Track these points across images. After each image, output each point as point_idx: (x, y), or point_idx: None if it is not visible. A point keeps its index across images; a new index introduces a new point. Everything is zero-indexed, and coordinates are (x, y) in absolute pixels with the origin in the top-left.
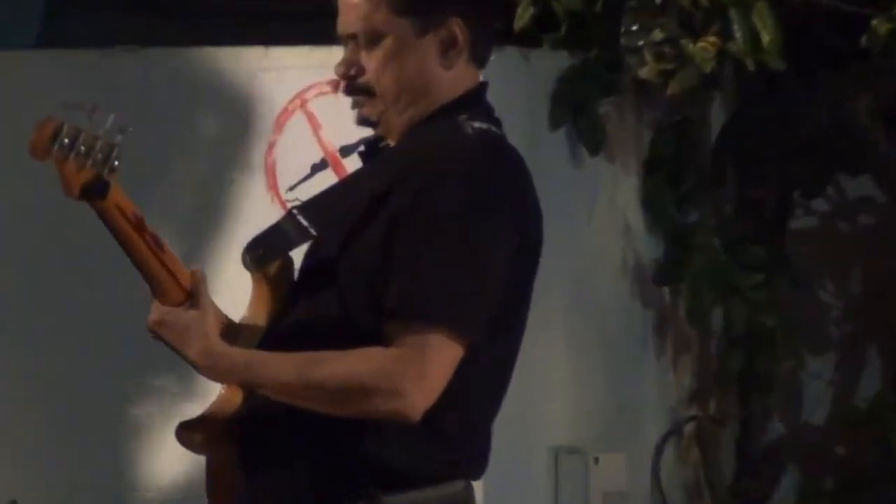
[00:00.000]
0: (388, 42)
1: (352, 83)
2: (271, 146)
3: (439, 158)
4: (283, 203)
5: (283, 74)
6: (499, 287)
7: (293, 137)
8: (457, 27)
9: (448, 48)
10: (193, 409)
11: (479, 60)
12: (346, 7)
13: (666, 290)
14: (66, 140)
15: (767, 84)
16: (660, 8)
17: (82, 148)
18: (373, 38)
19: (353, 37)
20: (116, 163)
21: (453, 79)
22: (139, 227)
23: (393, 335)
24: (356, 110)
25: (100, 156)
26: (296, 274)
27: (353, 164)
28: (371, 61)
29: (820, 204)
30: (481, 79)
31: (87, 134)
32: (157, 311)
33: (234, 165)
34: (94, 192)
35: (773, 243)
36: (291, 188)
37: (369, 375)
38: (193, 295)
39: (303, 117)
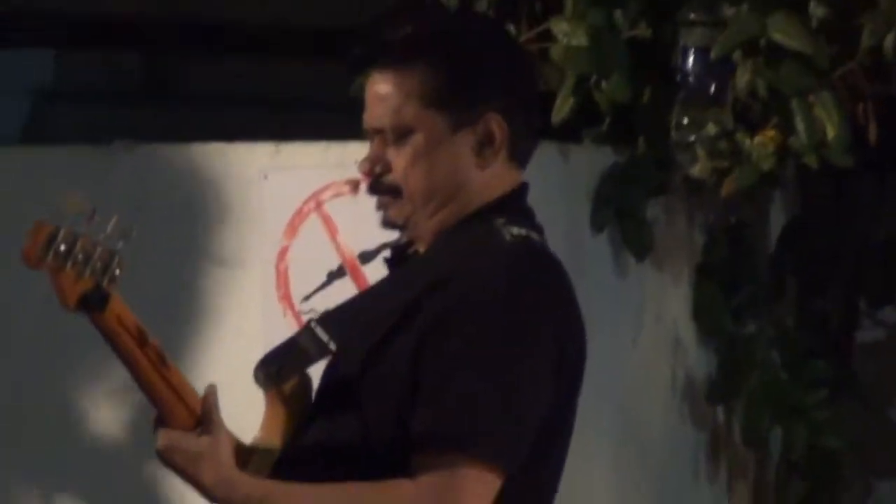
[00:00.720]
0: (417, 138)
1: (377, 182)
2: (283, 252)
3: (472, 270)
4: (296, 315)
5: (296, 174)
6: (537, 413)
7: (307, 242)
8: (494, 123)
9: (484, 146)
10: None
11: (521, 159)
12: (374, 100)
13: (719, 409)
14: (63, 246)
15: (833, 184)
16: (713, 99)
17: (80, 256)
18: (402, 134)
19: (380, 131)
20: (118, 272)
21: (490, 179)
22: (142, 341)
23: (421, 468)
24: (381, 212)
25: (99, 264)
26: (314, 392)
27: (372, 271)
28: (399, 158)
29: (890, 314)
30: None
31: (86, 240)
32: (165, 437)
33: (242, 274)
34: (93, 303)
35: (839, 358)
36: (306, 298)
37: None
38: (205, 419)
39: (318, 220)
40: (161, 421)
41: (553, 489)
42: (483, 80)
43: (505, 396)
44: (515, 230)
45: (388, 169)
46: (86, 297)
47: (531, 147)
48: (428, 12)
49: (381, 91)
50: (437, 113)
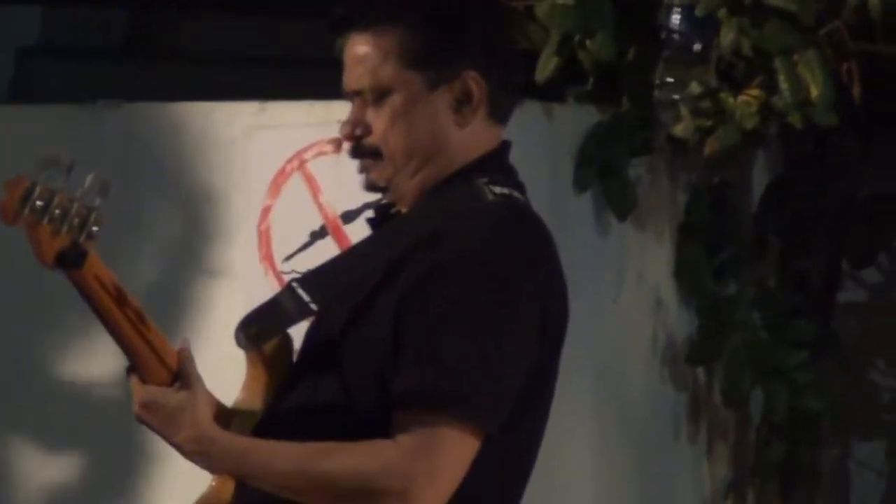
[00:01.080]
0: (395, 99)
1: (358, 145)
2: (266, 211)
3: (455, 229)
4: (278, 275)
5: (280, 132)
6: (519, 373)
7: (290, 202)
8: (472, 80)
9: (462, 104)
10: None
11: (500, 117)
12: (352, 60)
13: (700, 370)
14: (39, 202)
15: (816, 143)
16: (697, 58)
17: (57, 211)
18: (380, 95)
19: (360, 93)
20: (95, 228)
21: (470, 138)
22: (120, 299)
23: (401, 427)
24: (363, 175)
25: (76, 220)
26: (296, 352)
27: (355, 231)
28: (378, 120)
29: (871, 275)
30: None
31: (63, 195)
32: (142, 392)
33: (225, 232)
34: (70, 260)
35: (820, 319)
36: (288, 258)
37: (376, 473)
38: (181, 375)
39: (301, 180)
40: (135, 372)
41: (535, 449)
42: (460, 38)
43: (487, 356)
44: (498, 189)
45: (368, 131)
46: (63, 254)
47: (511, 104)
48: None
49: (360, 52)
50: (415, 72)
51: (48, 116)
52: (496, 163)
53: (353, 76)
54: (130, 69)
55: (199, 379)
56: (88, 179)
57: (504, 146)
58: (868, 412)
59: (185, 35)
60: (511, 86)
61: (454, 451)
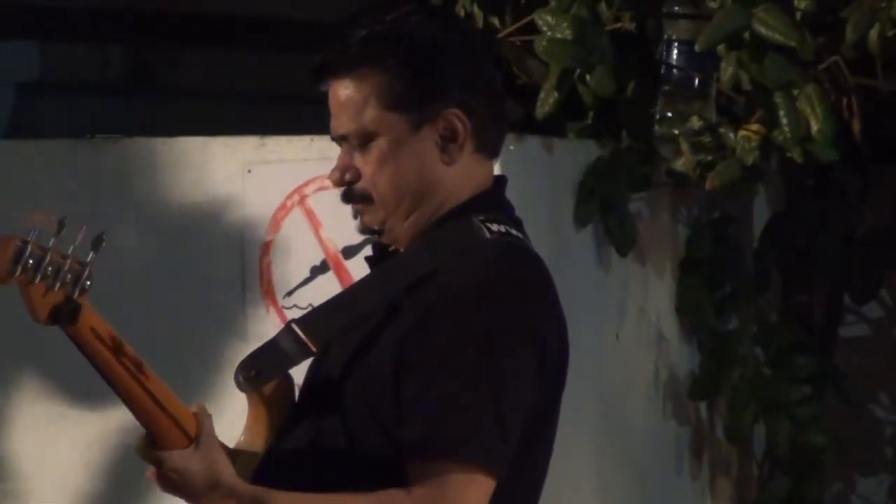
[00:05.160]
0: (381, 142)
1: (349, 190)
2: (267, 247)
3: (453, 270)
4: (279, 310)
5: (280, 167)
6: (520, 413)
7: (291, 237)
8: (454, 117)
9: (447, 141)
10: None
11: (490, 151)
12: (336, 106)
13: (702, 405)
14: (31, 261)
15: (817, 178)
16: (697, 93)
17: (49, 269)
18: (365, 139)
19: (345, 138)
20: (88, 283)
21: (460, 175)
22: (117, 350)
23: (412, 478)
24: (357, 219)
25: (69, 276)
26: (297, 392)
27: (356, 266)
28: (366, 165)
29: (872, 310)
30: (499, 171)
31: (55, 252)
32: (154, 457)
33: (226, 269)
34: (64, 317)
35: (821, 354)
36: (289, 293)
37: None
38: (197, 433)
39: (301, 215)
40: (149, 440)
41: (538, 487)
42: (439, 77)
43: (487, 398)
44: (495, 227)
45: (357, 176)
46: (57, 310)
47: (499, 137)
48: (381, 15)
49: (342, 97)
50: (397, 114)
51: (47, 151)
52: (491, 199)
53: (338, 122)
54: (129, 104)
55: (211, 433)
56: (81, 234)
57: (499, 181)
58: (870, 447)
59: (185, 70)
60: (497, 119)
61: (466, 496)
